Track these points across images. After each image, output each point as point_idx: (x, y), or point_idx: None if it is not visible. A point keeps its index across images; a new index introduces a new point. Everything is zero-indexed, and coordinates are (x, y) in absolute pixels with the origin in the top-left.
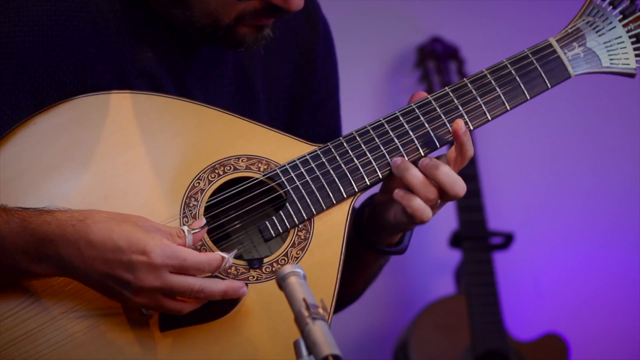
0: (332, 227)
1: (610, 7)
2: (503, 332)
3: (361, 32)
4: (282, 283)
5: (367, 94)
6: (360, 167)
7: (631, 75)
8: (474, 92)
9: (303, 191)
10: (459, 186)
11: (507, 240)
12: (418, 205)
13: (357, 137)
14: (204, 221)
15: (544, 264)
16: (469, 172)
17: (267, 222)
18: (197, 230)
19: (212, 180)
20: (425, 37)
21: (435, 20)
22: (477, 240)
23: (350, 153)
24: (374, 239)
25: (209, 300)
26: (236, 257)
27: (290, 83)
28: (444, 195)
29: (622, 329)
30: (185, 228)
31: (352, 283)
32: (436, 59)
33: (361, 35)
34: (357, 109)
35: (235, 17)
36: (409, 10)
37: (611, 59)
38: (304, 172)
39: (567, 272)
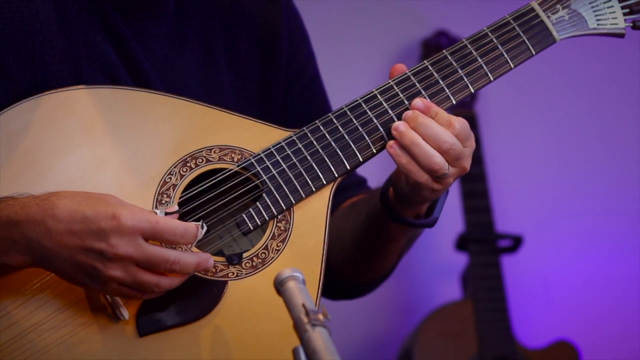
0: (313, 216)
1: None
2: (511, 339)
3: (363, 25)
4: (279, 288)
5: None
6: (338, 150)
7: (621, 35)
8: (455, 64)
9: (280, 180)
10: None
11: (516, 243)
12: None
13: (334, 120)
14: (176, 207)
15: (554, 267)
16: (476, 172)
17: (244, 216)
18: (172, 213)
19: (185, 175)
20: (430, 31)
21: (440, 13)
22: (484, 243)
23: (328, 137)
24: (401, 211)
25: (184, 273)
26: (217, 253)
27: (256, 61)
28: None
29: (636, 337)
30: (157, 210)
31: (383, 256)
32: None
33: (363, 28)
34: None
35: None
36: (413, 2)
37: (598, 20)
38: (280, 160)
39: (579, 276)
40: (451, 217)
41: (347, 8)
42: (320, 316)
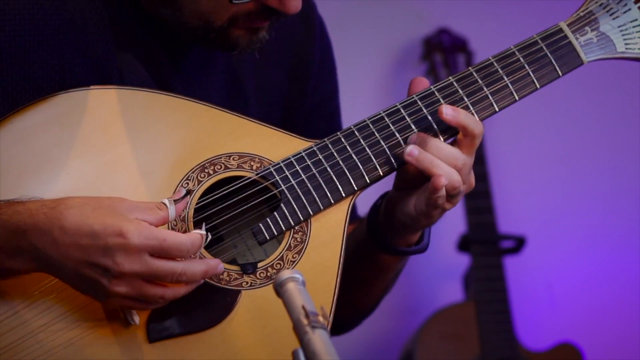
0: (330, 228)
1: None
2: (514, 341)
3: (363, 22)
4: (279, 289)
5: (369, 89)
6: (359, 164)
7: None
8: (480, 82)
9: (299, 190)
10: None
11: (519, 244)
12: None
13: (356, 132)
14: (183, 191)
15: (557, 269)
16: (478, 172)
17: (260, 225)
18: (180, 200)
19: (202, 181)
20: (432, 28)
21: (442, 10)
22: (486, 244)
23: (349, 149)
24: (392, 240)
25: (192, 282)
26: (230, 262)
27: (284, 87)
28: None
29: None
30: (166, 200)
31: (368, 292)
32: (443, 51)
33: (363, 26)
34: (359, 105)
35: (229, 19)
36: (415, 0)
37: (626, 44)
38: (300, 170)
39: (583, 277)
40: (453, 218)
41: (348, 5)
42: (320, 318)
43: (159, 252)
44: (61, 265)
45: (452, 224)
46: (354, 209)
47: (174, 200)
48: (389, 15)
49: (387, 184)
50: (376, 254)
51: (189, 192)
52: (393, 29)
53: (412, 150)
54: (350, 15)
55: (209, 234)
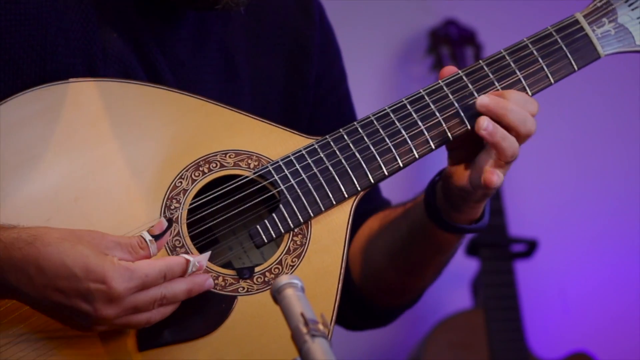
0: (331, 231)
1: None
2: (525, 350)
3: (367, 14)
4: (277, 296)
5: (373, 83)
6: (363, 162)
7: None
8: (491, 76)
9: (299, 191)
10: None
11: (530, 247)
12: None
13: (359, 129)
14: (164, 223)
15: (571, 274)
16: None
17: (258, 227)
18: (161, 236)
19: (196, 179)
20: (439, 20)
21: (449, 1)
22: (496, 247)
23: (352, 147)
24: (453, 218)
25: (176, 302)
26: (225, 265)
27: (281, 76)
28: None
29: None
30: (147, 236)
31: (424, 275)
32: (450, 44)
33: (367, 18)
34: (362, 99)
35: None
36: None
37: None
38: (300, 169)
39: (598, 283)
40: None
41: None
42: (320, 326)
43: (142, 288)
44: (37, 303)
45: None
46: (378, 193)
47: (156, 236)
48: (394, 6)
49: (397, 178)
50: (435, 234)
51: (171, 222)
52: (398, 21)
53: (482, 99)
54: (354, 7)
55: (204, 260)
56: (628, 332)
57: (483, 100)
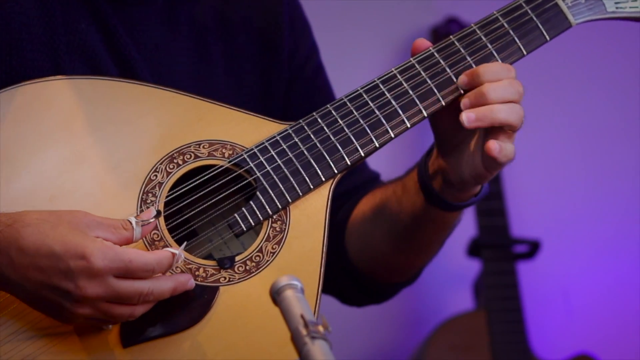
0: (310, 215)
1: None
2: (528, 352)
3: (369, 12)
4: (276, 297)
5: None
6: (338, 145)
7: None
8: (463, 51)
9: (275, 177)
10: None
11: (533, 248)
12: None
13: (333, 111)
14: (154, 212)
15: (574, 275)
16: None
17: (236, 216)
18: (148, 222)
19: (171, 172)
20: (440, 18)
21: None
22: (498, 248)
23: (326, 130)
24: (456, 196)
25: (159, 300)
26: (206, 256)
27: (256, 55)
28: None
29: None
30: (133, 219)
31: (431, 248)
32: None
33: (369, 15)
34: None
35: None
36: None
37: (617, 3)
38: (275, 155)
39: (601, 284)
40: (462, 221)
41: None
42: (320, 328)
43: (125, 274)
44: (19, 286)
45: (461, 227)
46: (365, 166)
47: (142, 221)
48: (396, 4)
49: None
50: (439, 214)
51: (159, 214)
52: (399, 18)
53: (469, 116)
54: (355, 5)
55: (182, 253)
56: (631, 334)
57: (464, 102)
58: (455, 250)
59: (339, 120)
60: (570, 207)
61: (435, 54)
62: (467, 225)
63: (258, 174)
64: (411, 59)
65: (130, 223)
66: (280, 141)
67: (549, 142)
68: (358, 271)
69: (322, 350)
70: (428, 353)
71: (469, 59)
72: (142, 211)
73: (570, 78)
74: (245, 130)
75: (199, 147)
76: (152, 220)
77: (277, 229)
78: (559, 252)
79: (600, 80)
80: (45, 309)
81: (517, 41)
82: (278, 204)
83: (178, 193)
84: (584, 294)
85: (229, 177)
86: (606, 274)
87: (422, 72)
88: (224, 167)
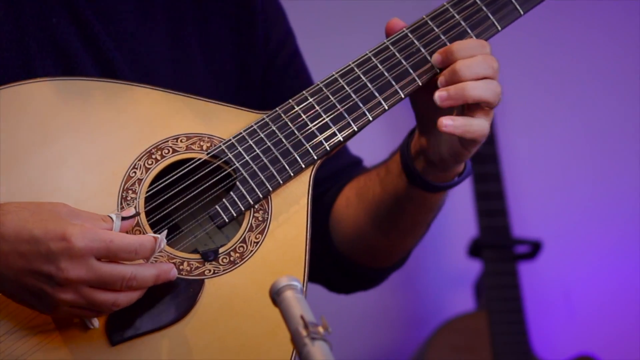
0: (292, 202)
1: None
2: (529, 353)
3: (366, 11)
4: (276, 298)
5: None
6: (316, 131)
7: None
8: (436, 30)
9: (254, 166)
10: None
11: (534, 249)
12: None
13: (309, 97)
14: (133, 211)
15: (576, 275)
16: (491, 171)
17: (217, 207)
18: (127, 217)
19: (150, 167)
20: None
21: None
22: (499, 249)
23: (303, 116)
24: (439, 177)
25: (143, 288)
26: (191, 251)
27: (232, 42)
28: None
29: None
30: (114, 214)
31: (417, 231)
32: None
33: (366, 15)
34: None
35: None
36: None
37: None
38: (253, 145)
39: (603, 285)
40: (463, 221)
41: None
42: (320, 329)
43: (106, 255)
44: (1, 276)
45: (462, 227)
46: (357, 163)
47: (123, 217)
48: (395, 4)
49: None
50: (424, 196)
51: (137, 214)
52: (399, 14)
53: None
54: (354, 5)
55: (164, 240)
56: (632, 335)
57: (440, 80)
58: (456, 250)
59: (315, 106)
60: (571, 208)
61: (409, 34)
62: (467, 226)
63: (237, 164)
64: (385, 40)
65: (110, 217)
66: (258, 130)
67: (551, 142)
68: (343, 256)
69: (322, 351)
70: (429, 354)
71: (443, 37)
72: (122, 209)
73: (572, 78)
74: (223, 121)
75: (177, 141)
76: (131, 215)
77: (260, 218)
78: (560, 252)
79: (603, 81)
80: (29, 299)
81: (491, 17)
82: (259, 193)
83: (158, 188)
84: (585, 295)
85: (208, 169)
86: (608, 275)
87: (396, 54)
88: (202, 160)
